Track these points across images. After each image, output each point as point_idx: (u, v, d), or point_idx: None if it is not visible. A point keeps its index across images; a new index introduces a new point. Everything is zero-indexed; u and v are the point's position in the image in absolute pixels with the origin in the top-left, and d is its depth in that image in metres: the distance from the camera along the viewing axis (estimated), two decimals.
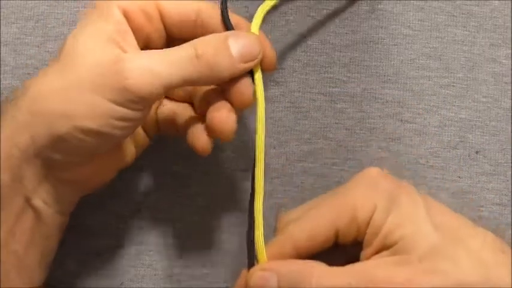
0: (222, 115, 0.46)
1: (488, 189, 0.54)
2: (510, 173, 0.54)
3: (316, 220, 0.46)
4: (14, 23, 0.53)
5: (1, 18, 0.53)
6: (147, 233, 0.53)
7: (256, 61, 0.45)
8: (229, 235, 0.53)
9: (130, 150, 0.49)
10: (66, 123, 0.42)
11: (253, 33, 0.46)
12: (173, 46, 0.45)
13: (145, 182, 0.53)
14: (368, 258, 0.45)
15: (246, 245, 0.47)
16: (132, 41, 0.45)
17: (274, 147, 0.53)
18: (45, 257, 0.47)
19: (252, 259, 0.47)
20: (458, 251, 0.44)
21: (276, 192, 0.52)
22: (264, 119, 0.47)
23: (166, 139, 0.53)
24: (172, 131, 0.50)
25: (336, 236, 0.46)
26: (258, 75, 0.46)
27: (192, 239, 0.53)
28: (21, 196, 0.44)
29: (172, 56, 0.43)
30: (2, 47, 0.52)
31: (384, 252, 0.44)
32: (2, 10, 0.53)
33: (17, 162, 0.43)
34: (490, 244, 0.44)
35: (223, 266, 0.53)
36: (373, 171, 0.46)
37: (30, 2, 0.53)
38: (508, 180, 0.54)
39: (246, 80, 0.46)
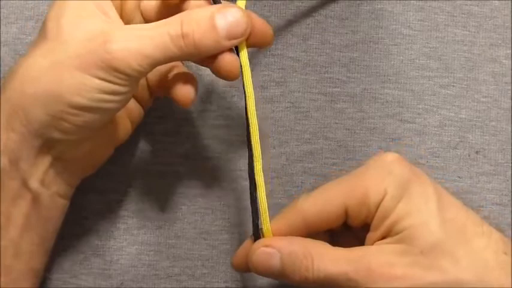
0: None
1: (488, 189, 0.54)
2: (510, 173, 0.54)
3: (327, 195, 0.46)
4: (14, 23, 0.53)
5: (1, 18, 0.53)
6: (147, 233, 0.53)
7: (242, 38, 0.44)
8: (229, 235, 0.53)
9: (125, 125, 0.49)
10: (59, 101, 0.42)
11: (241, 9, 0.44)
12: None
13: (145, 182, 0.53)
14: (372, 242, 0.45)
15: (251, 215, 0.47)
16: (114, 14, 0.45)
17: (274, 147, 0.53)
18: (44, 241, 0.47)
19: (256, 229, 0.47)
20: (461, 249, 0.44)
21: (276, 192, 0.52)
22: (252, 85, 0.45)
23: (166, 140, 0.53)
24: (167, 92, 0.48)
25: (346, 215, 0.45)
26: (244, 53, 0.45)
27: (192, 238, 0.53)
28: (17, 179, 0.44)
29: (159, 36, 0.43)
30: (2, 47, 0.52)
31: (388, 239, 0.44)
32: (2, 10, 0.53)
33: (14, 145, 0.44)
34: (494, 245, 0.44)
35: (223, 266, 0.53)
36: (388, 156, 0.46)
37: (30, 2, 0.53)
38: (508, 180, 0.54)
39: (231, 56, 0.44)
